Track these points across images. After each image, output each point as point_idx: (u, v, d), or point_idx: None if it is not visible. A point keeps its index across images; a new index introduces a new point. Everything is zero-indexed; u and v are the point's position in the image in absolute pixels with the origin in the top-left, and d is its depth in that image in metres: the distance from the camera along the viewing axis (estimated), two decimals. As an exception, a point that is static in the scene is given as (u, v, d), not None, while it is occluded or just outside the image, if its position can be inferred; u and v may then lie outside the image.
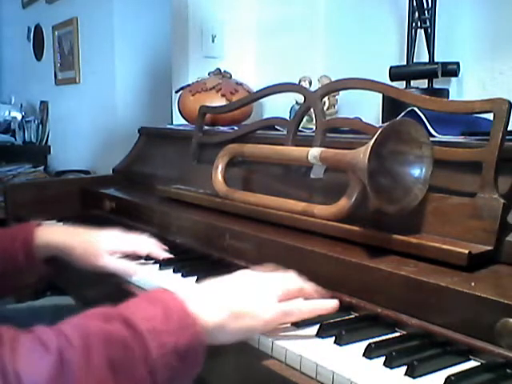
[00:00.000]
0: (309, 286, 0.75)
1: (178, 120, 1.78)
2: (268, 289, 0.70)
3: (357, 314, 0.76)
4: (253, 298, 0.68)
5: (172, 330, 0.58)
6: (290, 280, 0.73)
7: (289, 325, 0.73)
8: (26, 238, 0.99)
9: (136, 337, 0.56)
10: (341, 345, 0.67)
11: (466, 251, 0.71)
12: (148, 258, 1.02)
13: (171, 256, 1.02)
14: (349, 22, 1.70)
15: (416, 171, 0.81)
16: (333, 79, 1.15)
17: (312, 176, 0.98)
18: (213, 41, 1.94)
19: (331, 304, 0.72)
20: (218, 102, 1.51)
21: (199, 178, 1.24)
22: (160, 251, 1.03)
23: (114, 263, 0.97)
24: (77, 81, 3.31)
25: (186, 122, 1.66)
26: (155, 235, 1.07)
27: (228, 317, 0.65)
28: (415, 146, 0.80)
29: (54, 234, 1.01)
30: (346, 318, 0.75)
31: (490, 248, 0.73)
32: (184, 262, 1.01)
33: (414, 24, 1.36)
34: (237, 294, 0.68)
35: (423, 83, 1.37)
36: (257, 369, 0.69)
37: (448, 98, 1.35)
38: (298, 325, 0.73)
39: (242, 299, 0.67)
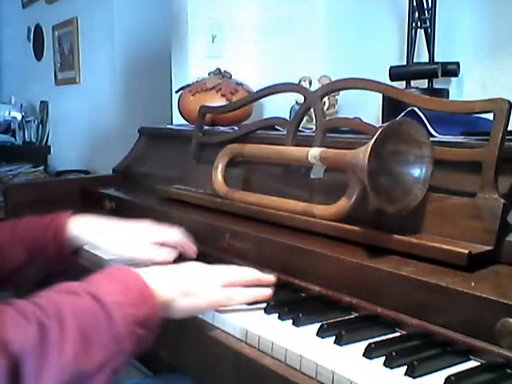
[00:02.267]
0: (247, 274, 0.82)
1: (178, 120, 1.78)
2: (213, 275, 0.80)
3: (357, 314, 0.76)
4: (200, 281, 0.77)
5: (133, 303, 0.66)
6: (230, 272, 0.82)
7: (290, 324, 0.74)
8: (58, 230, 0.98)
9: (102, 309, 0.63)
10: (341, 345, 0.67)
11: (466, 251, 0.71)
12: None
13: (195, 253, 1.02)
14: (349, 22, 1.70)
15: (416, 171, 0.81)
16: (333, 79, 1.15)
17: (312, 176, 0.98)
18: (213, 41, 1.94)
19: (265, 291, 0.80)
20: (218, 101, 1.51)
21: (199, 178, 1.24)
22: (188, 243, 1.02)
23: (151, 255, 0.97)
24: (77, 81, 3.31)
25: (186, 122, 1.66)
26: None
27: (178, 294, 0.73)
28: (415, 146, 0.80)
29: (85, 226, 1.00)
30: (346, 317, 0.76)
31: (490, 248, 0.73)
32: (184, 261, 1.01)
33: (414, 24, 1.36)
34: (187, 277, 0.78)
35: (423, 83, 1.37)
36: (257, 368, 0.69)
37: (448, 97, 1.35)
38: (298, 324, 0.73)
39: (191, 281, 0.77)
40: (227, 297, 0.78)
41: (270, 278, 0.83)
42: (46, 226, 0.99)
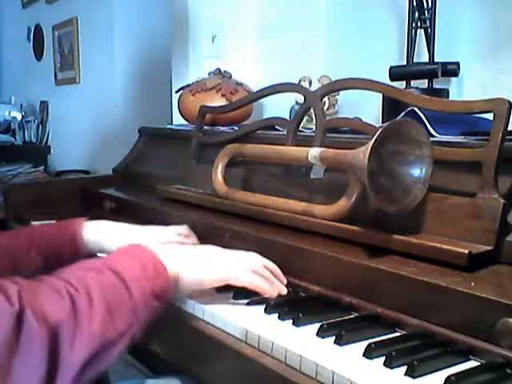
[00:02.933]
0: (267, 262, 0.85)
1: (178, 120, 1.78)
2: (224, 254, 0.85)
3: (357, 314, 0.76)
4: (206, 256, 0.83)
5: (148, 277, 0.72)
6: (254, 262, 0.84)
7: (290, 324, 0.74)
8: (74, 235, 1.00)
9: (123, 284, 0.69)
10: (341, 345, 0.67)
11: (466, 251, 0.71)
12: None
13: None
14: (349, 21, 1.70)
15: (416, 171, 0.81)
16: (333, 79, 1.15)
17: (312, 176, 0.98)
18: (213, 41, 1.94)
19: (274, 289, 0.82)
20: (218, 102, 1.51)
21: (199, 178, 1.24)
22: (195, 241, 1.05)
23: None
24: (77, 81, 3.31)
25: (186, 122, 1.66)
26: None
27: (186, 267, 0.79)
28: (415, 146, 0.80)
29: (101, 230, 1.02)
30: (346, 318, 0.76)
31: (490, 248, 0.73)
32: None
33: (414, 24, 1.36)
34: (193, 252, 0.84)
35: (423, 83, 1.37)
36: (257, 368, 0.69)
37: (448, 98, 1.35)
38: (298, 324, 0.73)
39: (196, 255, 0.83)
40: (235, 275, 0.81)
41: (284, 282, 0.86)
42: (61, 231, 1.01)
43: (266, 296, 0.82)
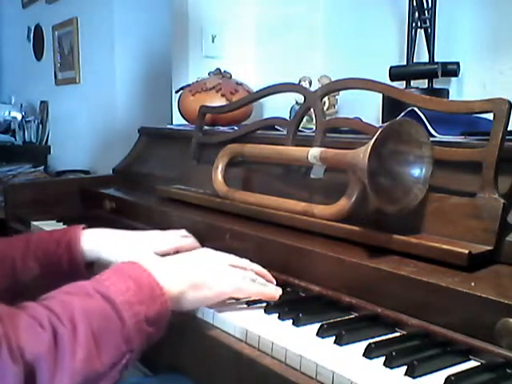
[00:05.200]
0: (254, 265, 0.84)
1: (178, 120, 1.78)
2: (220, 263, 0.81)
3: (357, 314, 0.76)
4: (209, 272, 0.78)
5: (143, 301, 0.67)
6: (238, 258, 0.84)
7: (290, 324, 0.74)
8: (70, 243, 0.97)
9: (113, 310, 0.64)
10: (341, 345, 0.67)
11: (466, 251, 0.71)
12: None
13: None
14: (349, 21, 1.70)
15: (416, 171, 0.81)
16: (333, 79, 1.15)
17: (312, 176, 0.98)
18: (213, 41, 1.94)
19: (274, 291, 0.81)
20: (218, 102, 1.51)
21: (199, 178, 1.24)
22: (197, 245, 1.03)
23: None
24: (77, 81, 3.30)
25: (186, 122, 1.66)
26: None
27: (187, 287, 0.74)
28: (415, 145, 0.80)
29: (98, 239, 0.99)
30: (346, 317, 0.76)
31: (490, 248, 0.73)
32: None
33: (413, 24, 1.36)
34: (196, 267, 0.79)
35: (423, 83, 1.37)
36: (257, 368, 0.69)
37: (448, 98, 1.35)
38: (298, 324, 0.73)
39: (200, 272, 0.78)
40: (237, 287, 0.79)
41: (273, 279, 0.85)
42: (58, 239, 0.98)
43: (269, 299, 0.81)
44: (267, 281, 0.84)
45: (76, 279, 1.00)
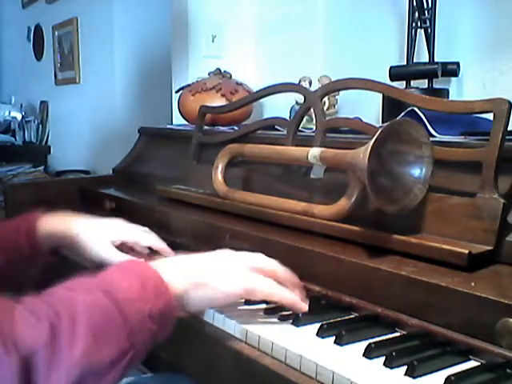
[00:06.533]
0: (282, 270, 0.77)
1: (178, 120, 1.78)
2: (234, 264, 0.75)
3: (357, 314, 0.76)
4: (215, 271, 0.74)
5: (147, 298, 0.65)
6: (264, 260, 0.77)
7: (290, 324, 0.74)
8: (29, 229, 0.98)
9: (115, 306, 0.62)
10: (341, 345, 0.67)
11: (466, 251, 0.71)
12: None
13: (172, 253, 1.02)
14: (349, 21, 1.70)
15: (416, 171, 0.81)
16: (333, 79, 1.15)
17: (312, 176, 0.98)
18: (213, 41, 1.94)
19: (293, 299, 0.74)
20: (218, 102, 1.51)
21: (199, 178, 1.24)
22: (162, 244, 1.03)
23: (117, 257, 0.96)
24: (77, 81, 3.31)
25: (186, 122, 1.66)
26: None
27: (190, 285, 0.71)
28: (415, 145, 0.80)
29: (57, 223, 0.99)
30: (346, 317, 0.76)
31: (490, 248, 0.73)
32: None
33: (413, 24, 1.36)
34: (200, 266, 0.74)
35: (423, 83, 1.37)
36: (257, 368, 0.69)
37: (448, 98, 1.35)
38: (298, 324, 0.73)
39: (205, 271, 0.73)
40: (248, 290, 0.73)
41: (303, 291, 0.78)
42: (17, 226, 0.99)
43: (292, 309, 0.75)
44: (293, 287, 0.77)
45: (40, 264, 1.01)
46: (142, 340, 0.63)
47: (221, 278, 0.73)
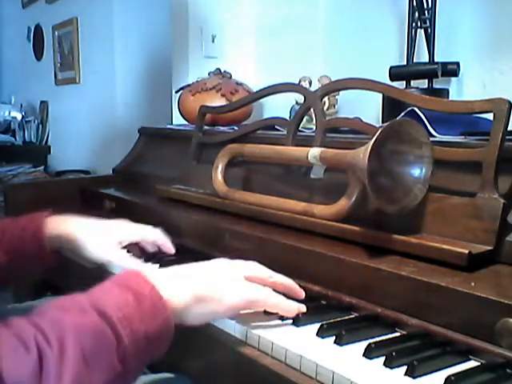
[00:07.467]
0: (278, 276, 0.77)
1: (178, 120, 1.78)
2: (233, 276, 0.73)
3: (357, 314, 0.76)
4: (217, 284, 0.71)
5: (144, 317, 0.61)
6: (259, 268, 0.77)
7: (290, 324, 0.74)
8: (36, 229, 0.97)
9: (109, 327, 0.58)
10: (341, 345, 0.67)
11: (466, 251, 0.71)
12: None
13: (173, 250, 1.03)
14: (349, 21, 1.70)
15: (416, 171, 0.81)
16: (333, 79, 1.15)
17: (312, 176, 0.98)
18: (213, 41, 1.94)
19: (295, 308, 0.74)
20: (218, 102, 1.52)
21: (199, 177, 1.24)
22: (166, 240, 1.03)
23: (121, 261, 0.97)
24: (77, 81, 3.31)
25: (186, 122, 1.66)
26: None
27: (191, 300, 0.68)
28: (415, 145, 0.80)
29: (63, 224, 0.99)
30: (346, 317, 0.76)
31: (490, 248, 0.73)
32: (184, 262, 1.01)
33: (414, 24, 1.36)
34: (201, 279, 0.71)
35: (423, 83, 1.37)
36: (257, 368, 0.69)
37: (448, 98, 1.35)
38: (298, 324, 0.73)
39: (206, 284, 0.70)
40: (250, 301, 0.72)
41: (301, 291, 0.78)
42: (23, 226, 0.98)
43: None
44: (293, 294, 0.77)
45: (44, 265, 1.00)
46: (136, 362, 0.61)
47: (223, 292, 0.70)
